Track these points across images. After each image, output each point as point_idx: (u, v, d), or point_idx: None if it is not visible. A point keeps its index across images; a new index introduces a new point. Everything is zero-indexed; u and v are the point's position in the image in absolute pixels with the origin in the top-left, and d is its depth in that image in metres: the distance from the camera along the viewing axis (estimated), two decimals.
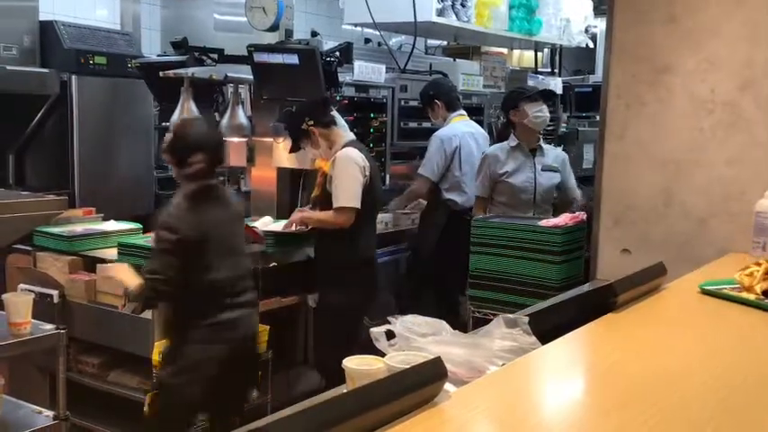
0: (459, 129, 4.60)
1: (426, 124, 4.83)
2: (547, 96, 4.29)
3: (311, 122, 3.63)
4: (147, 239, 3.53)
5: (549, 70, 7.03)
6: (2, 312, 2.66)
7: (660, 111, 2.97)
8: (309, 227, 3.77)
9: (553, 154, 4.28)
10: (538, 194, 4.10)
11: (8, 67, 4.44)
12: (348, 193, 3.54)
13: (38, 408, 2.79)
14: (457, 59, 5.89)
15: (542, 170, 4.13)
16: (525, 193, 4.07)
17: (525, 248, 3.30)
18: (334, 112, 3.77)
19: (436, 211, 4.56)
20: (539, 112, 4.08)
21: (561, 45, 6.63)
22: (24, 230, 2.50)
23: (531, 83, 6.08)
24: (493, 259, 3.35)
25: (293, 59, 3.89)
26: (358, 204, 3.55)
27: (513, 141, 4.12)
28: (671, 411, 1.41)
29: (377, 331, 1.96)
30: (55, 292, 3.45)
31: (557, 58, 7.08)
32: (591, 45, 6.87)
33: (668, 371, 1.64)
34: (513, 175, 4.07)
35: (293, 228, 3.78)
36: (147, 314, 3.31)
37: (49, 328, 2.71)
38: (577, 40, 6.53)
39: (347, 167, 3.55)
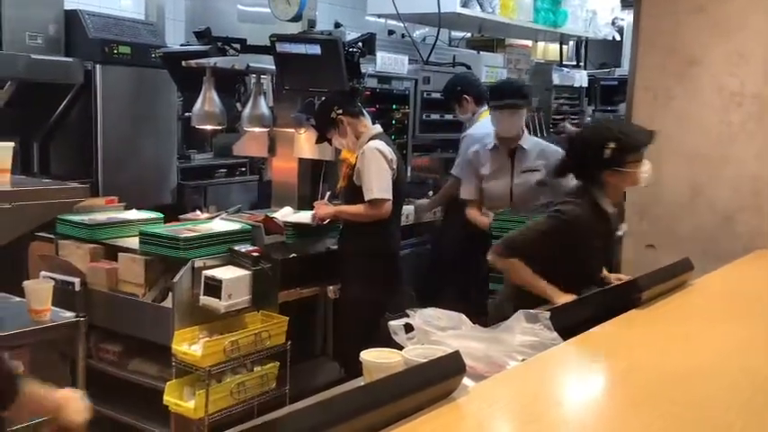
0: (490, 126, 4.53)
1: (449, 116, 4.79)
2: (503, 95, 3.89)
3: (340, 111, 3.62)
4: (168, 228, 3.54)
5: (575, 63, 6.95)
6: (23, 299, 2.67)
7: (688, 103, 2.92)
8: (327, 221, 3.75)
9: (536, 150, 3.95)
10: (515, 199, 3.90)
11: (33, 56, 4.45)
12: (381, 185, 3.53)
13: None
14: (481, 52, 5.83)
15: (522, 172, 3.89)
16: (501, 200, 3.91)
17: None
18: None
19: (463, 206, 4.51)
20: (498, 122, 3.88)
21: (587, 37, 6.55)
22: (45, 217, 2.51)
23: (555, 76, 6.01)
24: None
25: (315, 50, 3.87)
26: (390, 195, 3.54)
27: (490, 143, 3.93)
28: (693, 410, 1.38)
29: (395, 324, 1.95)
30: (77, 280, 3.47)
31: (582, 50, 6.99)
32: (617, 38, 6.77)
33: (692, 369, 1.60)
34: (489, 180, 3.93)
35: (315, 222, 3.76)
36: (168, 302, 3.31)
37: (68, 315, 2.72)
38: (604, 32, 6.44)
39: (376, 159, 3.54)
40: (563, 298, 2.49)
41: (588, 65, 7.12)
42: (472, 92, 4.52)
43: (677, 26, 2.91)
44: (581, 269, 2.62)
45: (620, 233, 2.71)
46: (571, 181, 3.88)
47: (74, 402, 1.83)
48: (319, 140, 3.85)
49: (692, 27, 2.87)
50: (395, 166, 3.61)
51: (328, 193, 3.97)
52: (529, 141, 3.99)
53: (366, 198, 3.54)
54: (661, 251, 2.94)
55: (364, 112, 3.74)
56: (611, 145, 2.51)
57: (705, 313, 2.09)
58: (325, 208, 3.76)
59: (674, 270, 2.17)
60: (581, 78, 6.25)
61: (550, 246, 2.60)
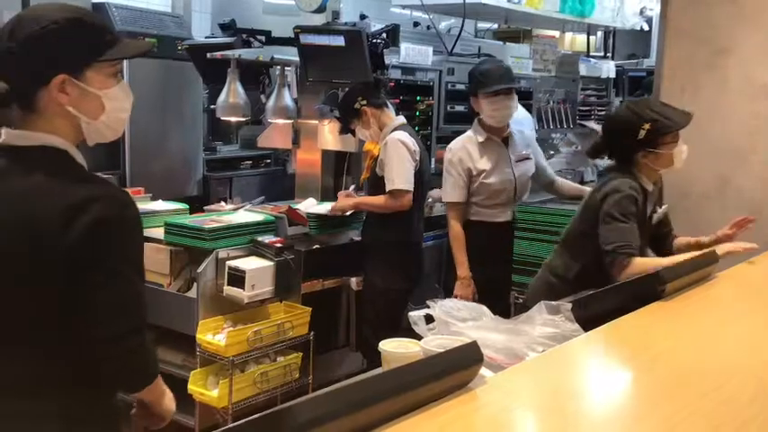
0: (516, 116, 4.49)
1: None
2: (500, 79, 3.54)
3: (364, 102, 3.62)
4: (193, 219, 3.57)
5: (602, 54, 6.87)
6: None
7: (716, 94, 2.88)
8: (349, 212, 3.76)
9: (519, 137, 3.75)
10: (518, 191, 3.67)
11: None
12: (402, 176, 3.52)
13: None
14: (507, 43, 5.79)
15: (517, 161, 3.66)
16: (505, 192, 3.62)
17: None
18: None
19: None
20: (496, 111, 3.54)
21: (615, 28, 6.47)
22: None
23: (582, 67, 5.95)
24: (537, 245, 3.29)
25: (339, 41, 3.87)
26: (411, 187, 3.53)
27: (480, 135, 3.59)
28: (716, 403, 1.36)
29: (416, 315, 1.94)
30: None
31: (610, 41, 6.91)
32: (646, 28, 6.69)
33: (715, 361, 1.58)
34: (490, 174, 3.58)
35: (333, 213, 3.77)
36: (192, 293, 3.34)
37: None
38: (632, 22, 6.36)
39: (399, 150, 3.53)
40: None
41: (616, 56, 7.04)
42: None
43: (706, 16, 2.86)
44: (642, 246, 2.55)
45: (656, 216, 2.65)
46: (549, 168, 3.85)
47: (169, 391, 1.82)
48: (343, 131, 3.86)
49: (722, 17, 2.82)
50: (418, 158, 3.60)
51: (352, 186, 3.98)
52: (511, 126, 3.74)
53: (387, 189, 3.54)
54: None
55: (388, 103, 3.74)
56: (646, 126, 2.49)
57: (729, 306, 2.05)
58: (344, 200, 3.77)
59: (698, 262, 2.14)
60: (608, 69, 6.17)
61: (635, 228, 2.52)
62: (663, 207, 2.69)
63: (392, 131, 3.61)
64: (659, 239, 2.83)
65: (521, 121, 4.56)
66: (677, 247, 2.69)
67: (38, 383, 1.57)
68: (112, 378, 1.65)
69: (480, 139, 3.59)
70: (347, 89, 3.85)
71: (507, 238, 3.63)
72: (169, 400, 1.84)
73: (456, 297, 3.40)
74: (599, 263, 2.55)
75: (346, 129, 3.81)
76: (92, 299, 1.54)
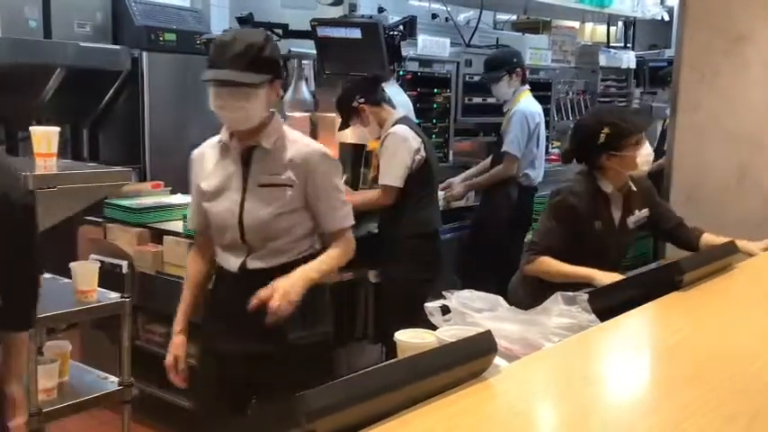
0: (535, 104, 4.49)
1: (491, 100, 4.74)
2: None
3: (362, 100, 3.59)
4: None
5: (623, 45, 6.81)
6: (71, 281, 2.74)
7: (735, 82, 2.84)
8: None
9: None
10: None
11: (82, 44, 4.55)
12: (391, 172, 3.51)
13: (104, 374, 2.88)
14: (525, 34, 5.76)
15: None
16: None
17: None
18: (396, 87, 3.72)
19: (509, 186, 4.46)
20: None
21: (635, 18, 6.41)
22: (88, 201, 2.58)
23: (602, 57, 5.91)
24: None
25: (356, 33, 3.87)
26: (400, 183, 3.52)
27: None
28: (732, 393, 1.35)
29: (432, 306, 1.94)
30: (124, 263, 3.54)
31: (630, 31, 6.85)
32: (666, 18, 6.62)
33: (732, 352, 1.56)
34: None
35: None
36: (212, 284, 3.36)
37: (114, 296, 2.79)
38: (652, 12, 6.31)
39: (394, 146, 3.52)
40: (604, 277, 2.49)
41: (637, 46, 6.98)
42: (524, 66, 4.48)
43: (725, 3, 2.83)
44: (590, 253, 2.64)
45: (632, 219, 2.71)
46: None
47: None
48: (342, 127, 3.83)
49: (740, 4, 2.79)
50: (422, 151, 3.56)
51: (344, 176, 3.97)
52: None
53: (379, 183, 3.55)
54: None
55: (386, 97, 3.69)
56: (606, 130, 2.61)
57: (748, 297, 2.03)
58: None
59: (717, 253, 2.12)
60: (628, 60, 6.13)
61: (561, 232, 2.65)
62: (643, 211, 2.71)
63: (392, 126, 3.59)
64: (667, 237, 2.86)
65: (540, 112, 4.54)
66: (705, 243, 2.69)
67: None
68: None
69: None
70: (345, 87, 3.82)
71: None
72: None
73: None
74: (556, 257, 2.64)
75: (346, 125, 3.79)
76: None
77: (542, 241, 2.69)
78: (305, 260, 2.30)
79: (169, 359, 2.40)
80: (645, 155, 2.63)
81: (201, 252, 2.47)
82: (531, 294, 2.67)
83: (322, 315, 2.41)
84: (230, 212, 2.27)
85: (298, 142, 2.30)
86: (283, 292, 2.15)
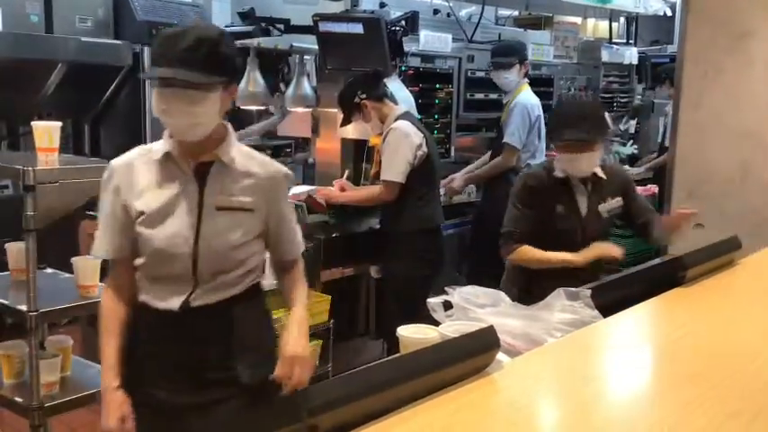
0: (534, 97, 4.51)
1: (493, 96, 4.74)
2: None
3: (363, 96, 3.58)
4: None
5: (625, 40, 6.80)
6: (72, 275, 2.74)
7: (739, 78, 2.84)
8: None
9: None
10: None
11: (83, 39, 4.54)
12: (393, 168, 3.51)
13: None
14: (528, 29, 5.75)
15: None
16: None
17: None
18: (397, 82, 3.71)
19: (509, 179, 4.45)
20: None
21: (638, 13, 6.39)
22: (90, 196, 2.56)
23: (604, 53, 5.90)
24: None
25: (358, 28, 3.86)
26: (402, 179, 3.52)
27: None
28: (735, 390, 1.35)
29: (434, 302, 1.94)
30: None
31: (633, 27, 6.83)
32: (669, 13, 6.60)
33: (735, 349, 1.56)
34: None
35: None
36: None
37: None
38: (655, 7, 6.29)
39: (396, 141, 3.51)
40: (578, 257, 2.62)
41: (639, 42, 6.96)
42: (527, 60, 4.53)
43: None
44: (561, 238, 2.70)
45: (605, 207, 2.75)
46: None
47: None
48: (344, 123, 3.82)
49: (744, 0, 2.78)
50: (424, 147, 3.56)
51: (346, 172, 3.97)
52: None
53: (381, 178, 3.55)
54: (709, 230, 2.86)
55: (388, 93, 3.69)
56: (552, 117, 2.73)
57: (751, 293, 2.03)
58: (332, 191, 3.76)
59: (720, 248, 2.12)
60: (631, 55, 6.11)
61: (528, 215, 2.72)
62: (616, 199, 2.74)
63: (394, 122, 3.58)
64: (639, 232, 2.90)
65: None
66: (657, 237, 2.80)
67: None
68: None
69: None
70: (346, 83, 3.81)
71: None
72: None
73: None
74: (532, 244, 2.72)
75: (347, 120, 3.78)
76: None
77: (515, 228, 2.73)
78: (248, 293, 2.01)
79: (113, 423, 1.90)
80: (566, 159, 2.63)
81: (120, 287, 2.00)
82: (516, 283, 2.73)
83: (273, 347, 2.05)
84: (182, 239, 1.88)
85: (257, 158, 1.97)
86: (304, 364, 1.94)
